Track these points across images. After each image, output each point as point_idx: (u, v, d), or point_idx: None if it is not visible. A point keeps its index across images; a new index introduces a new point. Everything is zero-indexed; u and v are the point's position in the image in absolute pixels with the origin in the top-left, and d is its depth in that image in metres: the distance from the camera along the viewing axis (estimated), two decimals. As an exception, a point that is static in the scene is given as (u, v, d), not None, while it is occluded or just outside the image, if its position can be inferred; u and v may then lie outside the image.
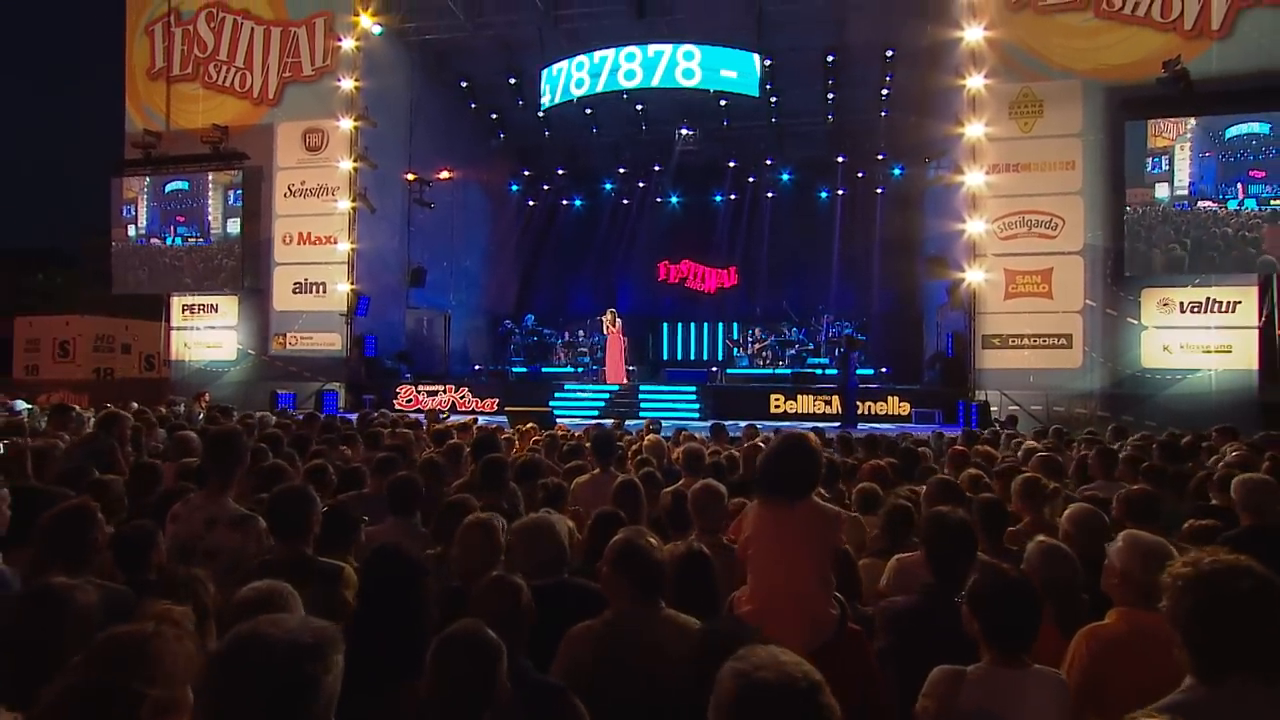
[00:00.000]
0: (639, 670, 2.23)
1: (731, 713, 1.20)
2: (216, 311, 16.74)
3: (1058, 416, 12.10)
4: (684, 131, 17.28)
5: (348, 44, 15.75)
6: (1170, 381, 12.49)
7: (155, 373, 19.24)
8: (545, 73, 16.14)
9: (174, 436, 5.90)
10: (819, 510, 2.80)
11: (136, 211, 16.59)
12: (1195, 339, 12.45)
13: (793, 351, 17.43)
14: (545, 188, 21.35)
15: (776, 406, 13.82)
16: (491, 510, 3.19)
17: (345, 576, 2.74)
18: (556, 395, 14.95)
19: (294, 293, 16.09)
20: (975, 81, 13.17)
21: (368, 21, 15.67)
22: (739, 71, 15.07)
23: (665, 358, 20.13)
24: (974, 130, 13.19)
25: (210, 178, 16.15)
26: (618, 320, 15.85)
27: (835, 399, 13.39)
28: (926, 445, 6.93)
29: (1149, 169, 12.36)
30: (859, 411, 12.96)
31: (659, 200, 20.54)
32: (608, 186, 20.92)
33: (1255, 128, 11.91)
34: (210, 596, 2.22)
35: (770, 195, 19.65)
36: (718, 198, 20.23)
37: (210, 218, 16.18)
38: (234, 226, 16.07)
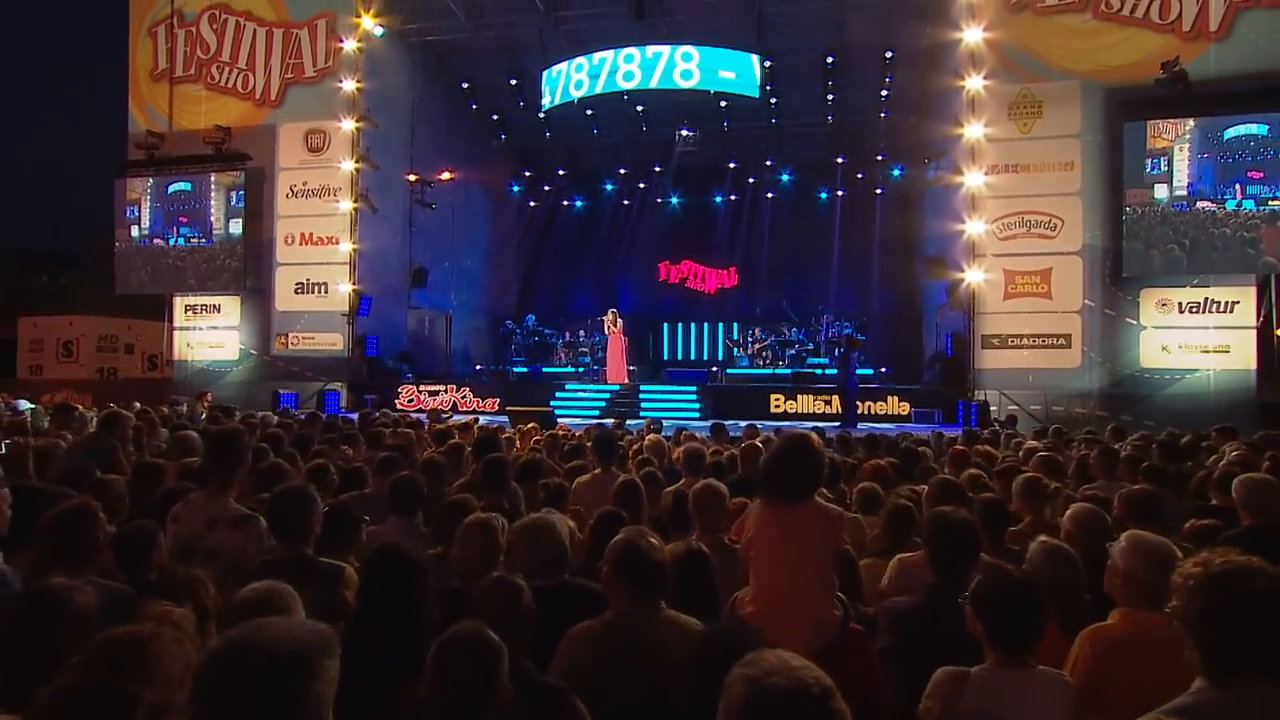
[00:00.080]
0: (639, 670, 2.22)
1: (742, 719, 1.18)
2: (219, 312, 16.81)
3: (1057, 416, 12.13)
4: (684, 132, 17.35)
5: (349, 45, 15.81)
6: (1169, 381, 12.53)
7: (158, 373, 19.31)
8: (545, 74, 16.20)
9: (175, 436, 5.90)
10: (822, 511, 2.81)
11: (140, 212, 16.66)
12: (1193, 339, 12.48)
13: (793, 351, 17.48)
14: (546, 188, 21.42)
15: (776, 406, 13.86)
16: (493, 510, 3.19)
17: (346, 577, 2.73)
18: (557, 395, 15.00)
19: (296, 293, 16.15)
20: (974, 82, 13.21)
21: (369, 23, 15.72)
22: (737, 72, 15.12)
23: (665, 358, 20.19)
24: (973, 131, 13.23)
25: (213, 178, 16.22)
26: (619, 320, 15.90)
27: (835, 399, 13.44)
28: (926, 445, 6.93)
29: (1148, 170, 12.40)
30: (859, 411, 13.00)
31: (659, 201, 20.61)
32: (608, 187, 20.99)
33: (1253, 129, 11.95)
34: (211, 597, 2.22)
35: (770, 196, 19.71)
36: (718, 198, 20.29)
37: (213, 218, 16.25)
38: (236, 227, 16.13)
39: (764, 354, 17.99)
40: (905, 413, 13.35)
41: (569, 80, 15.71)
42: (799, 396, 13.94)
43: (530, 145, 20.21)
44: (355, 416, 9.70)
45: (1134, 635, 2.29)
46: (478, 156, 19.18)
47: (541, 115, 17.41)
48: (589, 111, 17.44)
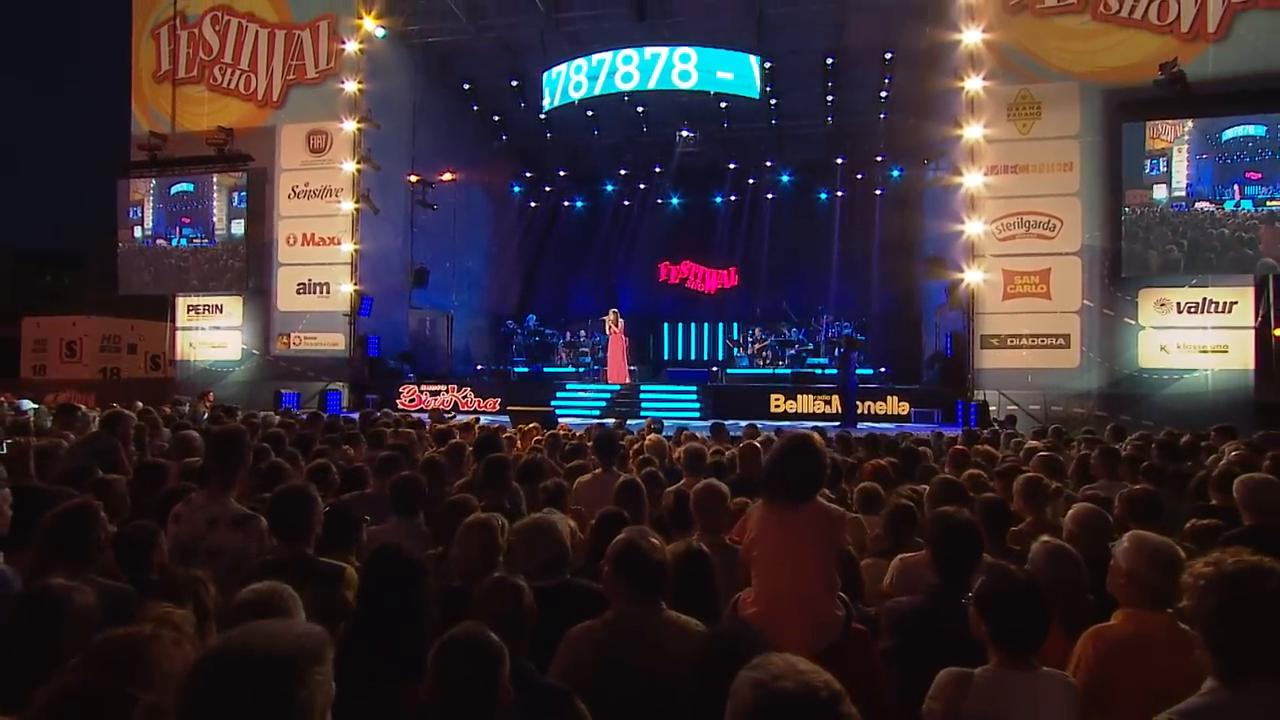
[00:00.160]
0: (639, 671, 2.22)
1: None
2: (221, 312, 16.88)
3: (1055, 416, 12.16)
4: (684, 133, 17.41)
5: (351, 47, 15.87)
6: (1167, 381, 12.57)
7: (161, 372, 19.40)
8: (546, 75, 16.25)
9: (176, 436, 5.91)
10: (824, 511, 2.80)
11: (142, 213, 16.74)
12: (1192, 339, 12.52)
13: (793, 351, 17.53)
14: (547, 189, 21.49)
15: (777, 406, 13.90)
16: (493, 510, 3.18)
17: (347, 577, 2.72)
18: (558, 395, 15.04)
19: (298, 293, 16.22)
20: (974, 83, 13.25)
21: (371, 24, 15.79)
22: (735, 73, 15.17)
23: (666, 358, 20.23)
24: (972, 132, 13.26)
25: (215, 179, 16.28)
26: (620, 320, 15.95)
27: (835, 399, 13.48)
28: (927, 445, 6.91)
29: (1147, 170, 12.43)
30: (858, 411, 13.05)
31: (660, 201, 20.67)
32: (609, 188, 21.05)
33: (1251, 130, 11.98)
34: (211, 598, 2.22)
35: (770, 196, 19.77)
36: (718, 199, 20.35)
37: (215, 219, 16.32)
38: (238, 228, 16.20)
39: (764, 354, 18.04)
40: (905, 412, 13.39)
41: (568, 82, 15.77)
42: (799, 396, 13.98)
43: (531, 146, 20.29)
44: (356, 416, 9.75)
45: (1137, 636, 2.29)
46: (479, 157, 19.25)
47: (542, 116, 17.48)
48: (589, 112, 17.50)
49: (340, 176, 15.90)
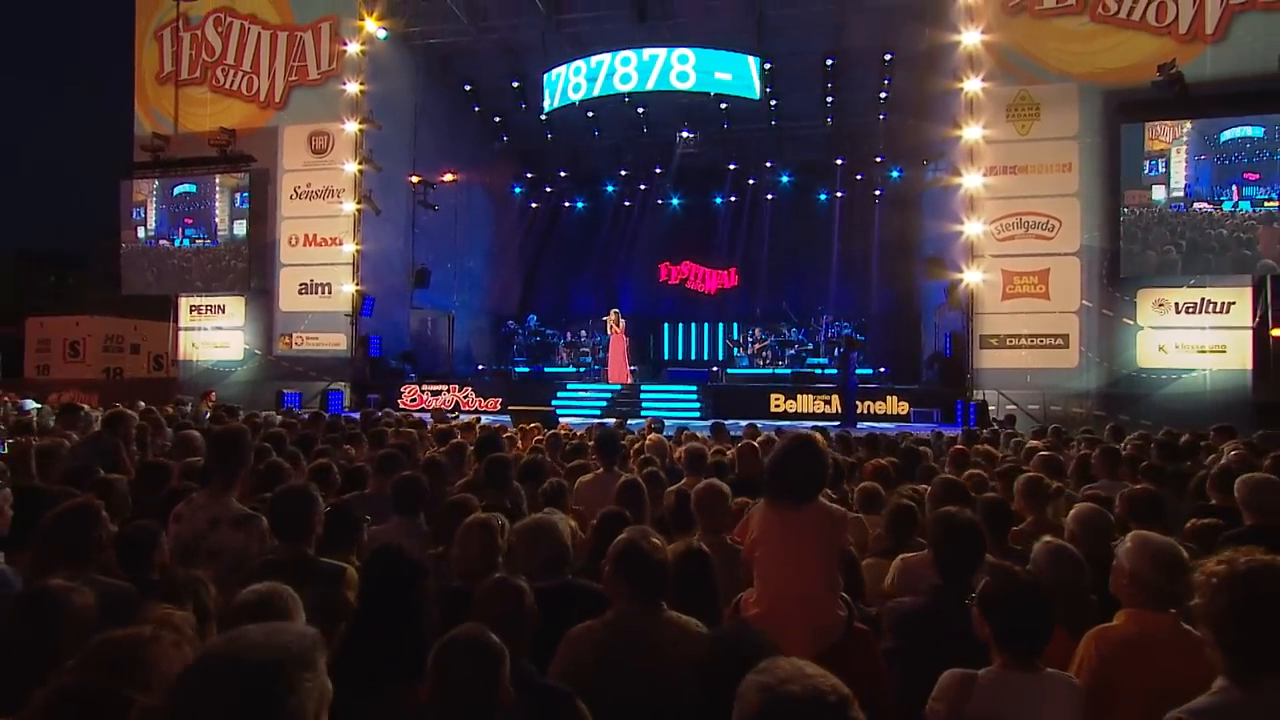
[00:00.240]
0: (639, 671, 2.21)
1: None
2: (224, 312, 16.95)
3: (1054, 416, 12.18)
4: (685, 134, 17.48)
5: (353, 48, 15.93)
6: (1165, 381, 12.60)
7: (164, 372, 19.49)
8: (546, 77, 16.31)
9: (177, 435, 5.91)
10: (826, 512, 2.80)
11: (145, 213, 16.81)
12: (1190, 339, 12.56)
13: (792, 351, 17.59)
14: (548, 190, 21.56)
15: (777, 406, 13.94)
16: (495, 510, 3.17)
17: (348, 577, 2.71)
18: (559, 395, 15.09)
19: (300, 293, 16.28)
20: (973, 85, 13.28)
21: (373, 26, 15.84)
22: (733, 74, 15.21)
23: (666, 358, 20.28)
24: (971, 133, 13.30)
25: (217, 180, 16.36)
26: (621, 320, 16.00)
27: (835, 398, 13.51)
28: (927, 445, 6.90)
29: (1146, 171, 12.47)
30: (858, 411, 13.09)
31: (660, 202, 20.74)
32: (609, 188, 21.11)
33: (1249, 131, 12.02)
34: (212, 598, 2.21)
35: (770, 197, 19.84)
36: (718, 200, 20.41)
37: (217, 219, 16.39)
38: (240, 228, 16.27)
39: (764, 354, 18.09)
40: (904, 412, 13.43)
41: (567, 83, 15.83)
42: (799, 396, 14.03)
43: (532, 147, 20.37)
44: (358, 416, 9.79)
45: (1140, 636, 2.28)
46: (480, 158, 19.32)
47: (543, 117, 17.54)
48: (590, 114, 17.57)
49: (342, 177, 15.96)
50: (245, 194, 16.21)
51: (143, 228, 16.84)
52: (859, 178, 19.05)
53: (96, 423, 6.41)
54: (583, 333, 19.50)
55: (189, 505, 3.20)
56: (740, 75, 15.25)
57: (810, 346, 17.70)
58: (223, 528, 3.10)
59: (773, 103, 17.17)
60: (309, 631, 1.18)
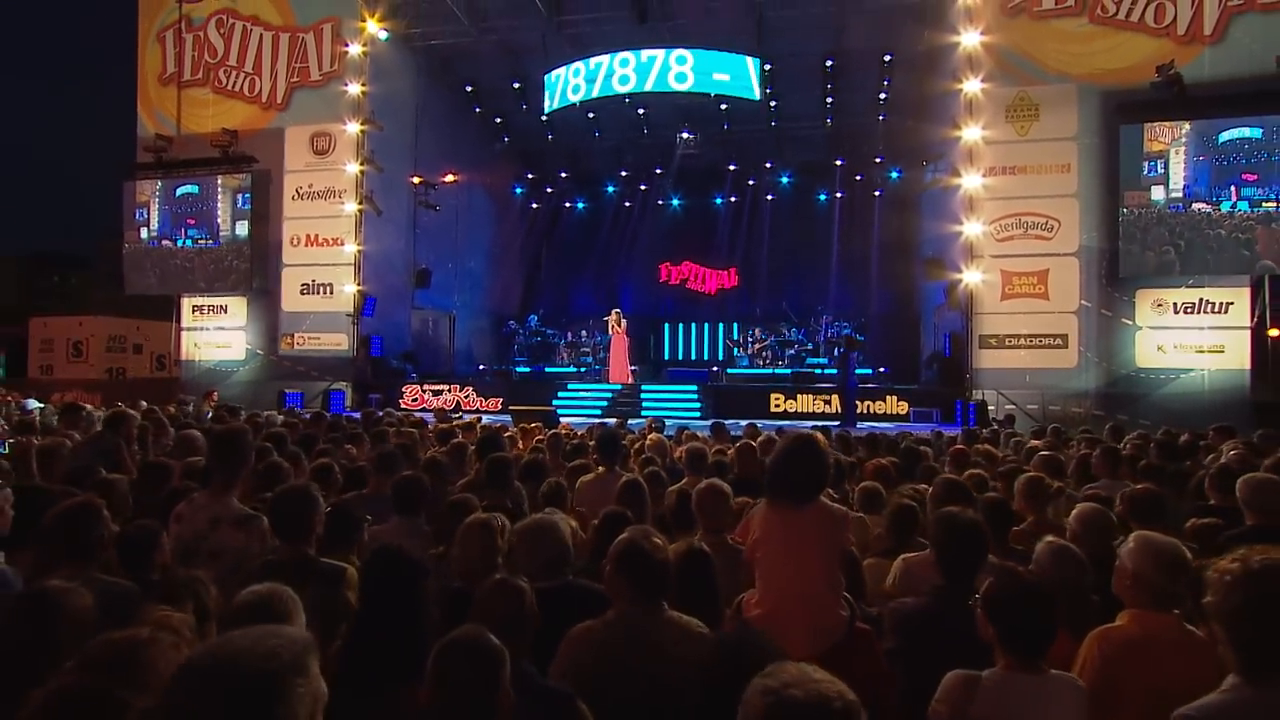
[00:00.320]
0: (640, 672, 2.21)
1: None
2: (226, 312, 17.02)
3: (1053, 415, 12.21)
4: (685, 135, 17.54)
5: (354, 49, 15.99)
6: (1164, 381, 12.64)
7: (166, 372, 19.58)
8: (546, 78, 16.36)
9: (178, 435, 5.92)
10: (828, 512, 2.80)
11: (148, 214, 16.90)
12: (1188, 339, 12.59)
13: (792, 351, 17.63)
14: (548, 190, 21.62)
15: (777, 406, 13.99)
16: (496, 510, 3.16)
17: (349, 578, 2.69)
18: (560, 394, 15.14)
19: (301, 294, 16.35)
20: (972, 86, 13.32)
21: (374, 27, 15.90)
22: (732, 74, 15.23)
23: (666, 358, 20.34)
24: (971, 133, 13.34)
25: (220, 181, 16.43)
26: (623, 320, 16.05)
27: (835, 398, 13.55)
28: (927, 444, 6.85)
29: (1145, 172, 12.51)
30: (858, 411, 13.14)
31: (660, 203, 20.80)
32: (610, 189, 21.17)
33: (1247, 132, 12.06)
34: (212, 598, 2.20)
35: (770, 198, 19.89)
36: (718, 200, 20.47)
37: (220, 220, 16.47)
38: (243, 229, 16.34)
39: (764, 354, 18.14)
40: (904, 412, 13.47)
41: (567, 84, 15.88)
42: (799, 396, 14.07)
43: (533, 148, 20.43)
44: (359, 416, 9.82)
45: (1143, 637, 2.27)
46: (481, 159, 19.38)
47: (543, 118, 17.60)
48: (591, 114, 17.63)
49: (344, 178, 16.03)
50: (247, 195, 16.29)
51: (146, 228, 16.92)
52: (859, 178, 19.08)
53: (98, 423, 6.39)
54: (583, 333, 19.56)
55: (190, 505, 3.20)
56: (739, 76, 15.28)
57: (810, 346, 17.74)
58: (224, 528, 3.09)
59: (773, 104, 17.22)
60: (299, 636, 1.16)
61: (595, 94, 15.55)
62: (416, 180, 17.16)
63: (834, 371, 15.72)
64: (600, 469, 4.90)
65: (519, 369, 18.58)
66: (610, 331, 16.24)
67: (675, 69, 14.97)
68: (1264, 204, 12.00)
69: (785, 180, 19.78)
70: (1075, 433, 8.28)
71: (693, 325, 20.81)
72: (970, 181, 13.37)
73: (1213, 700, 1.68)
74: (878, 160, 18.63)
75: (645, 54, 15.04)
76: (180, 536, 3.07)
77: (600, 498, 4.18)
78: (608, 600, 2.42)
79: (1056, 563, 2.66)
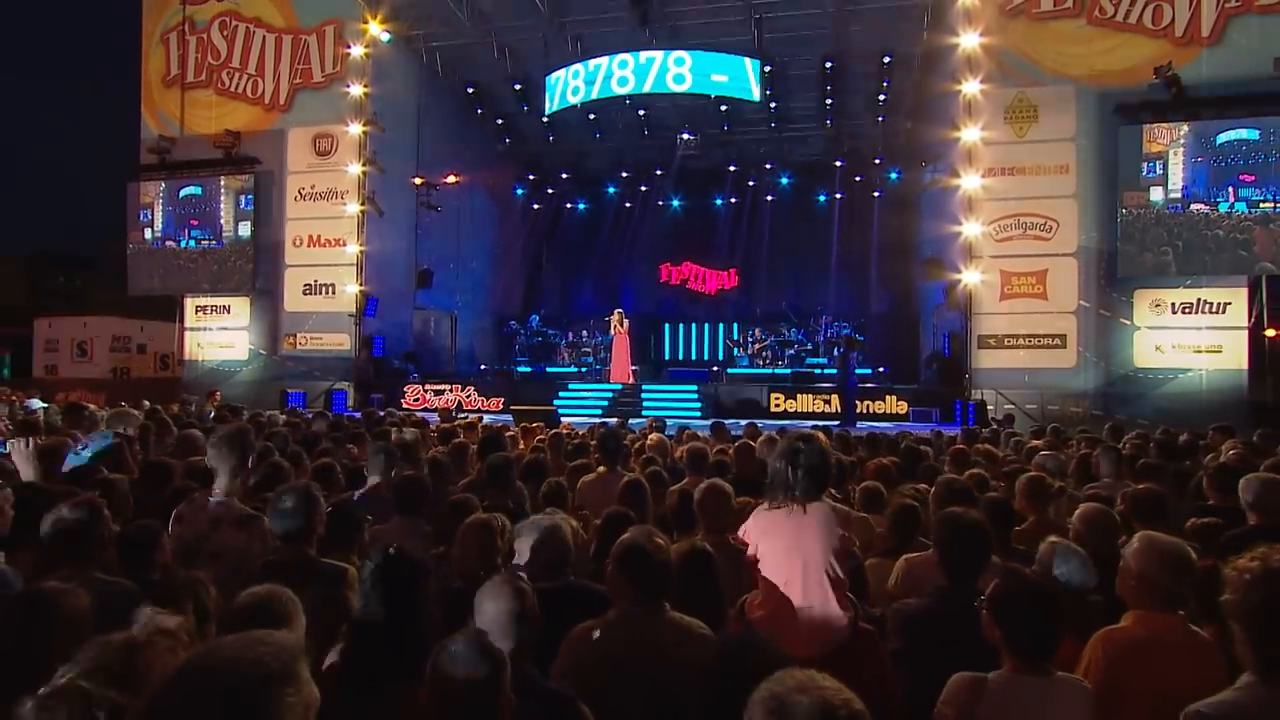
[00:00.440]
0: (640, 672, 2.20)
1: None
2: (229, 312, 17.11)
3: (1052, 415, 12.23)
4: (685, 136, 17.61)
5: (357, 51, 16.06)
6: (1162, 381, 12.68)
7: (170, 372, 19.69)
8: (547, 79, 16.44)
9: (180, 435, 5.94)
10: (830, 512, 2.79)
11: (152, 215, 17.00)
12: (1186, 339, 12.64)
13: (792, 351, 17.69)
14: (550, 191, 21.69)
15: (777, 405, 14.04)
16: (497, 509, 3.15)
17: (350, 578, 2.65)
18: (561, 394, 15.18)
19: (304, 294, 16.42)
20: (971, 87, 13.35)
21: (376, 29, 15.96)
22: (730, 76, 15.24)
23: (667, 358, 20.40)
24: (970, 135, 13.37)
25: (223, 182, 16.52)
26: (625, 320, 16.11)
27: (834, 398, 13.60)
28: (927, 444, 6.83)
29: (1144, 173, 12.56)
30: (858, 410, 13.19)
31: (661, 204, 20.86)
32: (610, 190, 21.24)
33: (1245, 134, 12.11)
34: (212, 599, 2.18)
35: (770, 199, 19.96)
36: (718, 201, 20.53)
37: (223, 221, 16.56)
38: (246, 229, 16.44)
39: (764, 354, 18.20)
40: (903, 412, 13.50)
41: (566, 85, 15.92)
42: (799, 396, 14.12)
43: (534, 149, 20.52)
44: (360, 415, 9.87)
45: (1148, 638, 2.26)
46: (482, 160, 19.44)
47: (545, 119, 17.66)
48: (591, 116, 17.70)
49: (346, 179, 16.11)
50: (250, 196, 16.38)
51: (149, 229, 17.02)
52: (858, 179, 19.13)
53: (101, 422, 6.37)
54: (584, 333, 19.63)
55: (191, 506, 3.19)
56: (737, 77, 15.32)
57: (810, 346, 17.80)
58: (225, 528, 3.08)
59: (772, 105, 17.27)
60: (289, 642, 1.13)
61: (594, 95, 15.61)
62: (418, 181, 17.24)
63: (834, 371, 15.77)
64: (602, 469, 4.92)
65: (520, 369, 18.66)
66: (612, 331, 16.30)
67: (673, 70, 15.00)
68: (1261, 205, 12.05)
69: (785, 181, 19.83)
70: (1074, 432, 8.30)
71: (693, 325, 20.86)
72: (969, 182, 13.42)
73: (1227, 698, 1.69)
74: (877, 161, 18.69)
75: (644, 55, 15.08)
76: (181, 537, 3.08)
77: (602, 497, 4.20)
78: (609, 601, 2.42)
79: (1060, 563, 2.64)
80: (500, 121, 19.38)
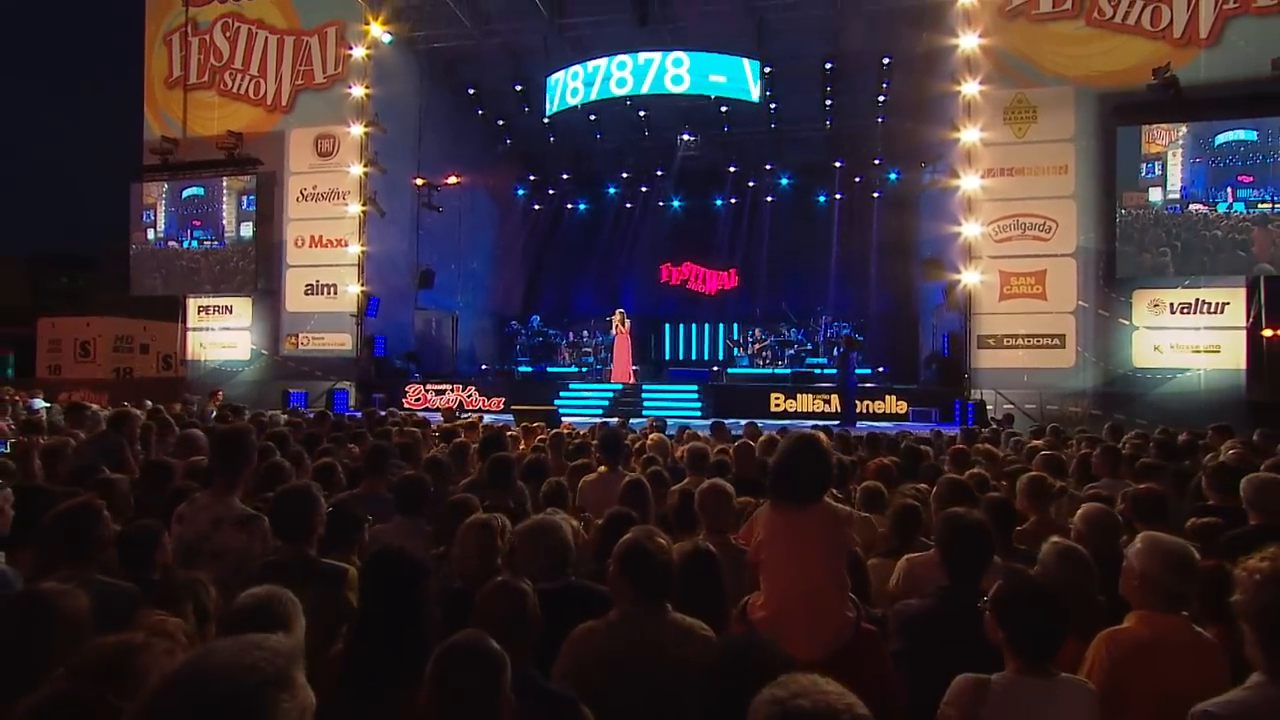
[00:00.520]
0: (641, 673, 2.19)
1: None
2: (231, 313, 17.18)
3: (1051, 415, 12.26)
4: (685, 137, 17.65)
5: (358, 52, 16.13)
6: (1160, 381, 12.72)
7: (172, 372, 19.72)
8: (547, 80, 16.49)
9: (181, 435, 5.94)
10: (832, 512, 2.78)
11: (155, 216, 17.06)
12: (1185, 339, 12.67)
13: (792, 351, 17.71)
14: (550, 192, 21.73)
15: (777, 405, 14.07)
16: (498, 510, 3.14)
17: (350, 578, 2.67)
18: (561, 394, 15.22)
19: (306, 294, 16.49)
20: (970, 88, 13.41)
21: (378, 30, 16.03)
22: (729, 76, 15.27)
23: (667, 358, 20.45)
24: (969, 135, 13.42)
25: (225, 183, 16.59)
26: (626, 320, 16.16)
27: (834, 398, 13.64)
28: (927, 444, 6.83)
29: (1143, 174, 12.60)
30: (857, 410, 13.23)
31: (661, 204, 20.90)
32: (611, 190, 21.27)
33: (1243, 134, 12.14)
34: (212, 600, 2.18)
35: (770, 199, 19.99)
36: (718, 201, 20.57)
37: (225, 221, 16.63)
38: (248, 230, 16.50)
39: (764, 354, 18.23)
40: (903, 411, 13.54)
41: (566, 87, 15.96)
42: (799, 396, 14.15)
43: (535, 150, 20.57)
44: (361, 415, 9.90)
45: (1152, 639, 2.25)
46: (483, 161, 19.50)
47: (545, 120, 17.70)
48: (592, 117, 17.73)
49: (348, 180, 16.17)
50: (252, 196, 16.44)
51: (152, 230, 17.09)
52: (858, 180, 19.13)
53: (104, 422, 6.38)
54: (585, 333, 19.67)
55: (192, 506, 3.18)
56: (735, 78, 15.34)
57: (810, 346, 17.82)
58: (226, 528, 3.07)
59: (772, 106, 17.31)
60: (284, 646, 1.12)
61: (593, 97, 15.64)
62: (419, 182, 17.30)
63: (834, 371, 15.79)
64: (602, 468, 4.92)
65: (521, 369, 18.70)
66: (613, 331, 16.35)
67: (672, 71, 15.03)
68: (1259, 205, 12.09)
69: (785, 181, 19.86)
70: (1074, 432, 8.34)
71: (693, 325, 20.90)
72: (969, 183, 13.46)
73: (1236, 697, 1.69)
74: (877, 162, 18.70)
75: (642, 56, 15.11)
76: (182, 537, 3.07)
77: (603, 497, 4.19)
78: (610, 602, 2.41)
79: (1062, 563, 2.64)
80: (501, 122, 19.43)
